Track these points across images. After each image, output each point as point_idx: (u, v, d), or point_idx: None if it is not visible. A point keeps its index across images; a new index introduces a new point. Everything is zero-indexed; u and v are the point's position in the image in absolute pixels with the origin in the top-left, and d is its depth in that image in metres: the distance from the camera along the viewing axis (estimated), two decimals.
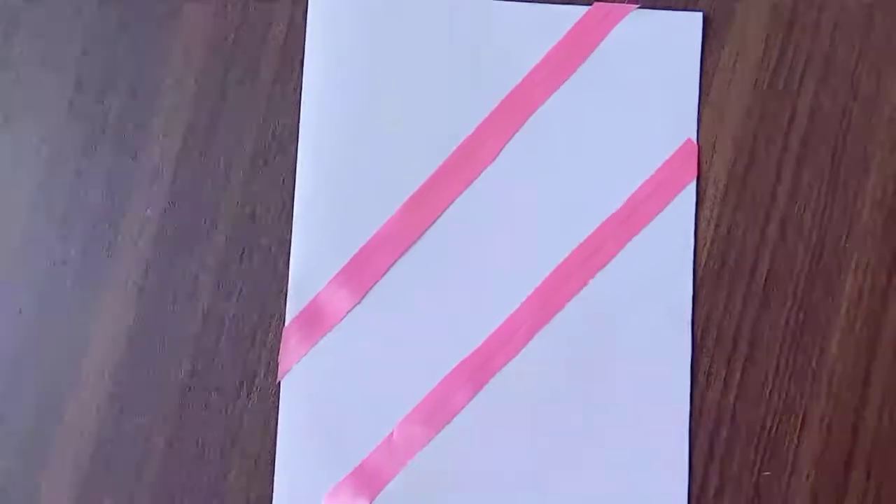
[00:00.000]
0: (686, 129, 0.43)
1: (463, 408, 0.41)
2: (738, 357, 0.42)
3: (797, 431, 0.42)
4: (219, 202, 0.42)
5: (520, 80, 0.43)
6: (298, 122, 0.43)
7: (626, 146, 0.43)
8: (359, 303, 0.42)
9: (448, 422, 0.41)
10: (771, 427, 0.42)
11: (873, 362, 0.42)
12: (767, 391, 0.42)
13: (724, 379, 0.42)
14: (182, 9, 0.43)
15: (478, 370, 0.42)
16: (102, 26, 0.43)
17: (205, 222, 0.42)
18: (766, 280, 0.42)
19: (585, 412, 0.41)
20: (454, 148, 0.43)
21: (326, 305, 0.42)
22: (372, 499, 0.41)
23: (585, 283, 0.42)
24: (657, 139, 0.43)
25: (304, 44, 0.43)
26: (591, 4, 0.43)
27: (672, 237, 0.43)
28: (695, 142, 0.43)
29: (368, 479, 0.41)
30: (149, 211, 0.42)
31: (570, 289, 0.42)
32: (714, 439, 0.42)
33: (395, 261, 0.42)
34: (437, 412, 0.41)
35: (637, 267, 0.42)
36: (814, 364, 0.42)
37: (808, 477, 0.42)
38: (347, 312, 0.42)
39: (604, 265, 0.42)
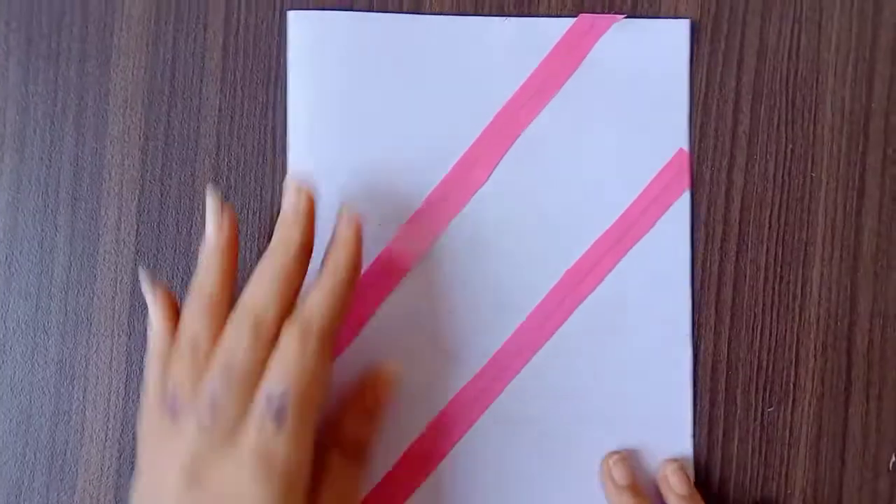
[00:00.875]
0: (677, 138, 0.43)
1: (472, 425, 0.42)
2: (724, 301, 0.43)
3: (793, 365, 0.43)
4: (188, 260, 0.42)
5: (510, 96, 0.42)
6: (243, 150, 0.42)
7: (620, 158, 0.42)
8: (358, 335, 0.42)
9: (459, 439, 0.42)
10: (767, 365, 0.42)
11: (856, 285, 0.43)
12: (758, 331, 0.43)
13: (714, 326, 0.42)
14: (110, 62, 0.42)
15: (482, 392, 0.42)
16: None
17: (169, 277, 0.42)
18: (740, 221, 0.43)
19: (595, 380, 0.42)
20: (447, 170, 0.42)
21: None
22: None
23: (583, 299, 0.42)
24: (649, 149, 0.42)
25: (249, 71, 0.42)
26: (576, 16, 0.43)
27: (668, 248, 0.42)
28: (687, 151, 0.42)
29: (392, 493, 0.41)
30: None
31: (569, 304, 0.42)
32: (714, 387, 0.42)
33: (392, 290, 0.42)
34: (447, 431, 0.42)
35: (635, 279, 0.42)
36: (799, 297, 0.43)
37: (809, 406, 0.43)
38: (347, 347, 0.42)
39: (600, 281, 0.42)
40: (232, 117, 0.42)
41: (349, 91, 0.42)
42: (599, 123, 0.42)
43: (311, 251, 0.37)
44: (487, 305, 0.42)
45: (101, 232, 0.42)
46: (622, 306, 0.42)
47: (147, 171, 0.42)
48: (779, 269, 0.43)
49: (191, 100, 0.42)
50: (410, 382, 0.41)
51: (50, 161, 0.42)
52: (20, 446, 0.41)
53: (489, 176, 0.42)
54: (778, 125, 0.43)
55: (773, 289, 0.43)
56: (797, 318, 0.43)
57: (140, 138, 0.42)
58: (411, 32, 0.42)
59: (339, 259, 0.37)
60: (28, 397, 0.42)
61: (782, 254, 0.43)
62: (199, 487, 0.34)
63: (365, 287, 0.41)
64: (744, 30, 0.43)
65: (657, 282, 0.42)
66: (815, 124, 0.43)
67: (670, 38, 0.43)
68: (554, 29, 0.42)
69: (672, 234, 0.42)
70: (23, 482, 0.41)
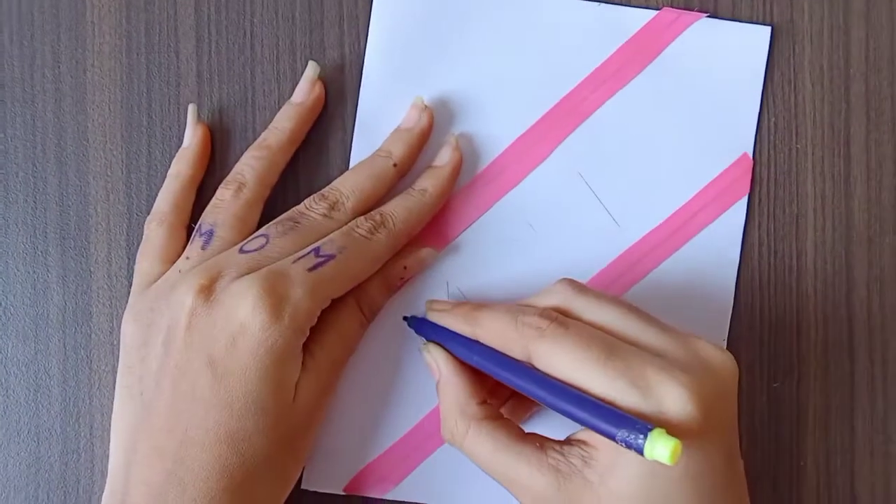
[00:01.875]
0: (744, 142, 0.42)
1: None
2: None
3: (795, 338, 0.42)
4: None
5: (582, 78, 0.42)
6: None
7: (682, 154, 0.42)
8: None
9: None
10: (769, 341, 0.42)
11: (850, 253, 0.43)
12: (757, 308, 0.42)
13: None
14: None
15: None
16: None
17: None
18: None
19: None
20: (509, 143, 0.42)
21: None
22: (395, 484, 0.42)
23: (625, 291, 0.42)
24: (714, 150, 0.42)
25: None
26: (659, 9, 0.42)
27: (719, 250, 0.42)
28: (751, 157, 0.42)
29: (395, 464, 0.42)
30: None
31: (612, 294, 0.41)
32: None
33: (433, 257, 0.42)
34: None
35: (680, 278, 0.42)
36: (795, 270, 0.43)
37: (815, 378, 0.42)
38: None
39: (646, 273, 0.42)
40: (212, 143, 0.42)
41: (425, 53, 0.42)
42: (667, 118, 0.42)
43: (411, 166, 0.41)
44: (527, 285, 0.42)
45: (92, 268, 0.42)
46: (663, 305, 0.40)
47: (133, 203, 0.42)
48: (773, 245, 0.42)
49: (170, 129, 0.42)
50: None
51: (35, 203, 0.42)
52: (32, 489, 0.42)
53: (549, 155, 0.42)
54: (760, 101, 0.43)
55: (769, 264, 0.42)
56: (795, 292, 0.43)
57: (123, 172, 0.42)
58: (496, 1, 0.42)
59: (432, 182, 0.41)
60: (35, 439, 0.42)
61: (774, 229, 0.42)
62: (210, 304, 0.36)
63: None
64: (716, 5, 0.43)
65: (702, 283, 0.42)
66: (795, 95, 0.43)
67: (750, 42, 0.42)
68: (635, 19, 0.42)
69: (725, 236, 0.42)
70: None
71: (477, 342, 0.38)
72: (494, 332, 0.37)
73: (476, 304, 0.39)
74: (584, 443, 0.35)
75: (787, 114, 0.43)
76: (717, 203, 0.42)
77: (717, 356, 0.35)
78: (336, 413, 0.42)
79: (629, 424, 0.31)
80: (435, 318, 0.40)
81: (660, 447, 0.30)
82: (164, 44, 0.42)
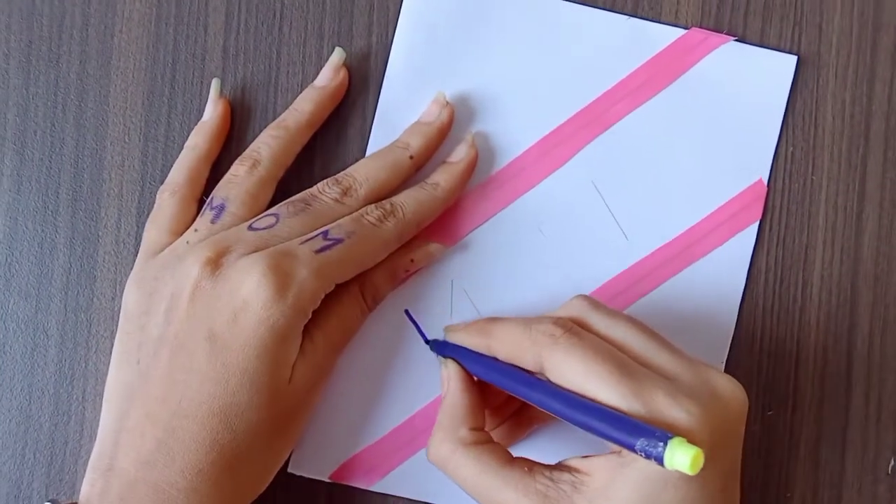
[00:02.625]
0: (759, 168, 0.42)
1: None
2: None
3: (793, 368, 0.42)
4: None
5: (604, 90, 0.42)
6: None
7: (698, 174, 0.42)
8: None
9: None
10: (767, 368, 0.42)
11: (856, 289, 0.43)
12: (758, 334, 0.42)
13: None
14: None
15: None
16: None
17: None
18: None
19: None
20: (527, 146, 0.42)
21: None
22: (382, 477, 0.42)
23: (628, 305, 0.42)
24: (729, 172, 0.42)
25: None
26: (688, 28, 0.42)
27: (725, 273, 0.42)
28: (765, 183, 0.42)
29: (382, 457, 0.42)
30: None
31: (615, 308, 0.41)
32: None
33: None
34: None
35: (685, 298, 0.42)
36: (799, 300, 0.43)
37: (809, 409, 0.42)
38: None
39: (652, 290, 0.42)
40: (231, 120, 0.42)
41: (451, 50, 0.42)
42: (686, 136, 0.42)
43: (427, 160, 0.41)
44: (532, 289, 0.42)
45: (100, 233, 0.42)
46: (665, 323, 0.40)
47: (147, 172, 0.42)
48: (779, 272, 0.42)
49: (191, 102, 0.42)
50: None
51: (50, 162, 0.42)
52: (20, 446, 0.42)
53: (566, 162, 0.42)
54: (780, 129, 0.43)
55: (774, 292, 0.42)
56: (797, 322, 0.43)
57: (140, 140, 0.42)
58: (527, 7, 0.42)
59: (445, 178, 0.41)
60: (27, 397, 0.42)
61: (783, 257, 0.42)
62: (215, 277, 0.36)
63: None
64: (744, 30, 0.43)
65: (706, 304, 0.42)
66: (815, 127, 0.43)
67: (775, 69, 0.42)
68: (664, 35, 0.42)
69: (733, 260, 0.42)
70: (22, 482, 0.42)
71: (492, 358, 0.38)
72: (507, 341, 0.37)
73: (490, 318, 0.40)
74: (574, 469, 0.35)
75: (806, 144, 0.43)
76: (728, 226, 0.42)
77: (728, 387, 0.35)
78: (329, 400, 0.41)
79: (648, 433, 0.31)
80: (451, 337, 0.40)
81: (680, 455, 0.30)
82: (194, 17, 0.42)
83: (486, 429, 0.39)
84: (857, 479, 0.42)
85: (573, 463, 0.35)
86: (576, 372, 0.34)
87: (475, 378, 0.39)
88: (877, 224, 0.43)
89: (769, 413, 0.42)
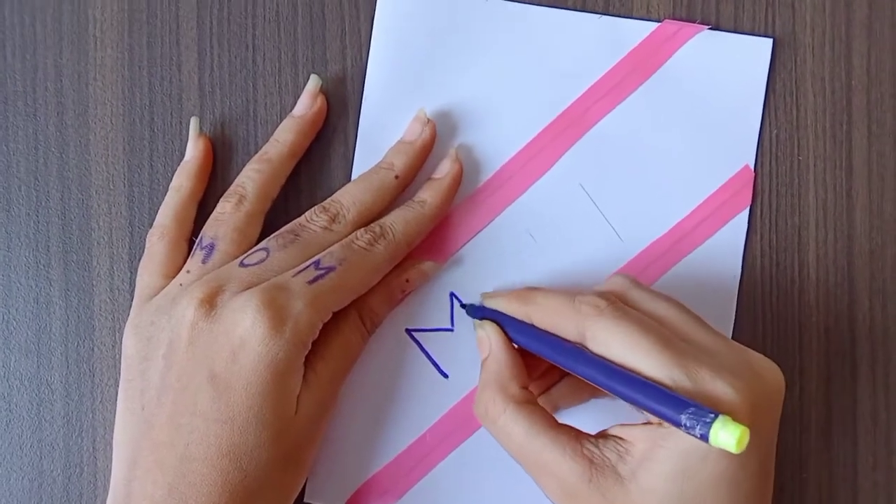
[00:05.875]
0: (745, 154, 0.42)
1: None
2: None
3: (797, 350, 0.42)
4: None
5: (583, 91, 0.42)
6: None
7: (684, 166, 0.42)
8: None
9: (477, 428, 0.42)
10: (771, 352, 0.42)
11: (852, 265, 0.43)
12: (759, 319, 0.42)
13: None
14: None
15: None
16: None
17: None
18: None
19: None
20: (510, 156, 0.42)
21: None
22: (398, 497, 0.42)
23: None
24: (715, 161, 0.42)
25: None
26: (660, 21, 0.42)
27: (720, 262, 0.42)
28: (752, 168, 0.42)
29: (397, 477, 0.42)
30: None
31: None
32: None
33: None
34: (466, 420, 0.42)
35: (682, 289, 0.41)
36: (797, 281, 0.43)
37: (817, 389, 0.42)
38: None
39: (649, 284, 0.42)
40: (213, 156, 0.42)
41: (427, 66, 0.42)
42: (668, 130, 0.42)
43: (412, 179, 0.41)
44: None
45: (94, 282, 0.42)
46: None
47: (134, 217, 0.42)
48: (774, 256, 0.42)
49: (171, 142, 0.42)
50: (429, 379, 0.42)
51: (38, 217, 0.42)
52: (35, 503, 0.42)
53: (551, 167, 0.42)
54: (762, 112, 0.43)
55: (771, 276, 0.42)
56: (797, 303, 0.42)
57: (125, 185, 0.42)
58: (497, 16, 0.42)
59: (431, 194, 0.41)
60: (38, 453, 0.42)
61: (776, 240, 0.42)
62: (211, 318, 0.36)
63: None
64: (717, 17, 0.43)
65: (704, 294, 0.42)
66: (797, 108, 0.43)
67: (751, 54, 0.42)
68: (636, 31, 0.42)
69: (726, 248, 0.42)
70: None
71: (532, 326, 0.38)
72: (549, 310, 0.37)
73: (530, 287, 0.40)
74: (619, 438, 0.35)
75: (789, 126, 0.43)
76: (718, 215, 0.42)
77: (768, 367, 0.36)
78: (338, 426, 0.42)
79: (695, 409, 0.31)
80: (490, 303, 0.40)
81: (725, 434, 0.30)
82: (167, 57, 0.42)
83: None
84: (870, 455, 0.42)
85: (616, 431, 0.35)
86: (620, 343, 0.34)
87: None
88: (867, 198, 0.43)
89: None
